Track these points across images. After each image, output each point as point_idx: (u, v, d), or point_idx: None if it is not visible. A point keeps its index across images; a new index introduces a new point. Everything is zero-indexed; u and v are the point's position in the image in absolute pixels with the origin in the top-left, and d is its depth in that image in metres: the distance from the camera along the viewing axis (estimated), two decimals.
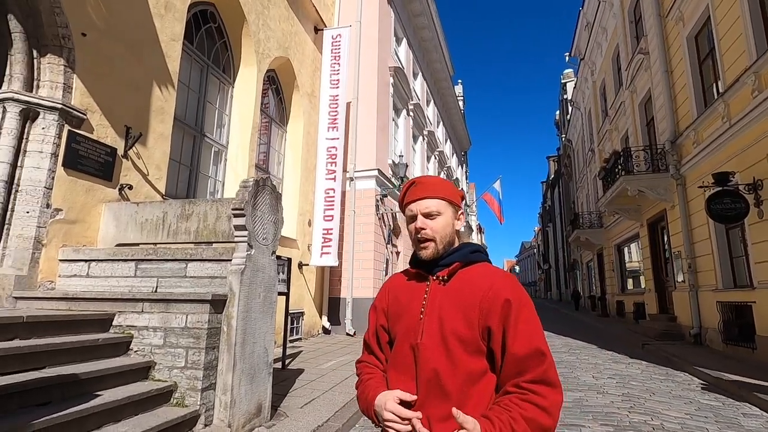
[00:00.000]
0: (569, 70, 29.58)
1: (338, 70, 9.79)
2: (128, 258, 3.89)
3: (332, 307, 10.12)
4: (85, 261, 4.00)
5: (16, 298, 3.68)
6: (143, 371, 3.29)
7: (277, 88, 9.22)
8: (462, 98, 31.91)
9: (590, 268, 24.14)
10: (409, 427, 1.01)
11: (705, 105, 8.84)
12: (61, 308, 3.61)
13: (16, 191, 3.85)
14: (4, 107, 3.85)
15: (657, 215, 11.50)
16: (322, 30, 10.27)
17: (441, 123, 20.34)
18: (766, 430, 4.12)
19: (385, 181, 11.03)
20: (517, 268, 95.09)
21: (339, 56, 9.85)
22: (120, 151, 4.69)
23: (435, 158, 18.35)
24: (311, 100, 9.94)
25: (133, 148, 4.86)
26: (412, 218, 1.18)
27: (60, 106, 3.99)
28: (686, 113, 9.53)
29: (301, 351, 7.50)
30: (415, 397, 1.05)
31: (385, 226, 11.15)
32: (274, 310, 3.93)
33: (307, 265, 9.25)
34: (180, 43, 5.71)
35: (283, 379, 5.20)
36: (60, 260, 4.05)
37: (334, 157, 9.44)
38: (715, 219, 7.23)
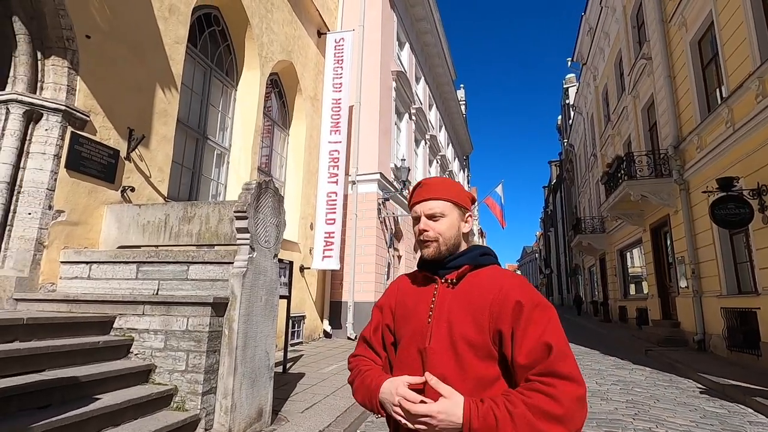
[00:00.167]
0: (571, 75, 29.62)
1: (341, 73, 9.80)
2: (129, 260, 3.87)
3: (333, 311, 10.09)
4: (87, 263, 3.99)
5: (16, 299, 3.67)
6: (143, 374, 3.26)
7: (279, 91, 9.23)
8: (464, 102, 31.97)
9: (592, 273, 24.05)
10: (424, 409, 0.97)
11: (708, 110, 8.82)
12: (61, 310, 3.59)
13: (19, 193, 3.85)
14: (8, 109, 3.85)
15: (660, 220, 11.45)
16: (325, 34, 10.30)
17: (443, 127, 20.36)
18: None
19: (387, 185, 11.02)
20: (518, 272, 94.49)
21: (342, 60, 9.87)
22: (123, 153, 4.68)
23: (437, 162, 18.36)
24: (314, 104, 9.95)
25: (136, 150, 4.86)
26: (416, 219, 1.17)
27: (63, 107, 3.99)
28: (689, 118, 9.51)
29: (303, 355, 7.46)
30: (423, 379, 1.01)
31: (386, 229, 11.12)
32: (275, 314, 3.91)
33: (309, 268, 9.23)
34: (184, 46, 5.73)
35: (284, 383, 5.16)
36: (61, 262, 4.04)
37: (336, 160, 9.44)
38: (719, 224, 7.18)
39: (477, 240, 37.21)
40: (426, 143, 16.25)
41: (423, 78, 16.38)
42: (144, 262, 3.83)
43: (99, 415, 2.64)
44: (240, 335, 3.35)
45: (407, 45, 14.23)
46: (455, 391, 0.94)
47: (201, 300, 3.32)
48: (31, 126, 3.95)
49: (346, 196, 10.19)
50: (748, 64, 7.11)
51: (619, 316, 17.22)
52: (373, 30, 11.28)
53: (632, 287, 16.31)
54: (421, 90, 16.06)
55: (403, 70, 13.07)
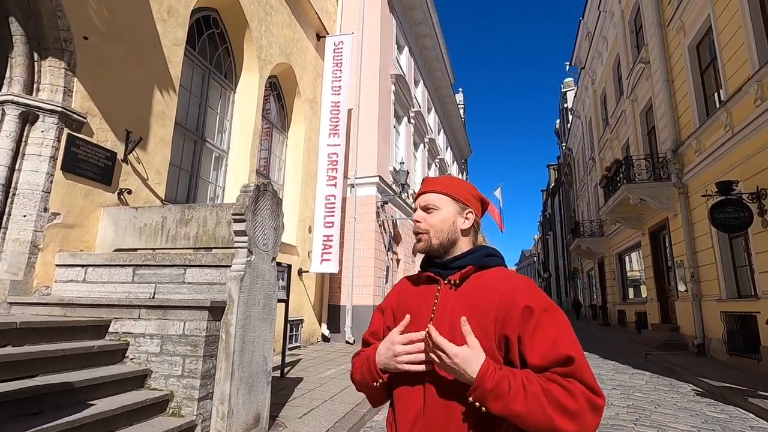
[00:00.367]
0: (569, 79, 29.75)
1: (340, 76, 9.80)
2: (126, 263, 3.83)
3: (332, 315, 10.03)
4: (82, 266, 3.94)
5: (10, 303, 3.62)
6: (139, 380, 3.21)
7: (278, 94, 9.21)
8: (462, 106, 32.04)
9: (591, 277, 24.04)
10: (422, 356, 0.99)
11: (707, 114, 8.83)
12: (56, 314, 3.54)
13: (14, 195, 3.80)
14: (3, 110, 3.81)
15: (659, 224, 11.45)
16: (324, 37, 10.30)
17: (442, 131, 20.37)
18: None
19: (386, 188, 10.99)
20: None
21: (341, 63, 9.86)
22: (120, 155, 4.65)
23: (436, 166, 18.35)
24: (312, 107, 9.94)
25: (133, 152, 4.82)
26: (415, 212, 1.18)
27: (60, 109, 3.95)
28: (688, 122, 9.52)
29: (301, 359, 7.40)
30: (422, 335, 1.00)
31: (385, 233, 11.08)
32: (273, 318, 3.86)
33: (307, 271, 9.18)
34: (182, 48, 5.70)
35: (282, 387, 5.11)
36: (56, 265, 3.99)
37: (335, 163, 9.41)
38: (718, 228, 7.17)
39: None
40: (425, 146, 16.25)
41: (422, 81, 16.40)
42: (140, 266, 3.79)
43: (92, 422, 2.59)
44: (237, 339, 3.31)
45: (406, 48, 14.25)
46: (480, 346, 0.92)
47: (198, 304, 3.27)
48: (26, 127, 3.91)
49: (344, 200, 10.16)
50: (746, 68, 7.12)
51: (618, 319, 17.19)
52: (372, 33, 11.29)
53: (631, 291, 16.30)
54: (419, 93, 16.08)
55: (402, 73, 13.08)
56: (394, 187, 11.45)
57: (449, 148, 22.42)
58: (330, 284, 10.18)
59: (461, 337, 0.98)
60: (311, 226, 9.48)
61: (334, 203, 9.22)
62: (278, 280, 4.42)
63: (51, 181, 3.93)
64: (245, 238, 3.49)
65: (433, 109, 18.37)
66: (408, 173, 11.70)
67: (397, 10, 13.04)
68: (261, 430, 3.53)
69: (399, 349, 1.00)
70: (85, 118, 4.22)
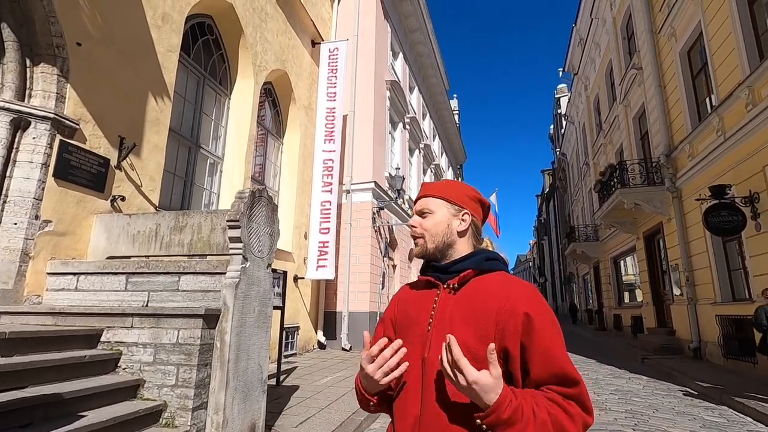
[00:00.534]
0: (563, 85, 30.01)
1: (335, 83, 9.81)
2: (118, 271, 3.77)
3: (328, 322, 9.95)
4: (74, 274, 3.88)
5: (0, 312, 3.55)
6: (131, 390, 3.15)
7: (273, 100, 9.21)
8: (457, 112, 32.20)
9: (587, 282, 24.10)
10: (394, 360, 0.98)
11: (699, 119, 8.93)
12: (46, 323, 3.47)
13: (4, 202, 3.74)
14: None
15: (653, 228, 11.51)
16: (320, 43, 10.33)
17: (437, 136, 20.44)
18: None
19: (382, 194, 10.98)
20: None
21: (336, 69, 9.89)
22: (113, 162, 4.60)
23: (431, 171, 18.39)
24: (308, 113, 9.94)
25: (127, 159, 4.78)
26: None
27: (52, 115, 3.91)
28: (680, 127, 9.62)
29: (296, 367, 7.32)
30: (381, 344, 0.99)
31: (381, 239, 11.06)
32: (269, 325, 3.81)
33: (303, 278, 9.12)
34: (177, 54, 5.69)
35: (278, 396, 5.04)
36: (48, 273, 3.92)
37: (330, 169, 9.40)
38: (712, 232, 7.22)
39: None
40: (420, 152, 16.29)
41: (417, 88, 16.47)
42: (133, 273, 3.74)
43: None
44: (232, 348, 3.26)
45: (401, 55, 14.33)
46: (501, 376, 0.89)
47: (192, 312, 3.22)
48: (18, 134, 3.87)
49: (340, 206, 10.13)
50: (737, 74, 7.21)
51: (614, 324, 17.21)
52: (367, 40, 11.34)
53: (626, 295, 16.35)
54: (414, 100, 16.15)
55: (397, 79, 13.14)
56: (389, 192, 11.44)
57: (444, 153, 22.49)
58: (326, 291, 10.12)
59: (461, 343, 0.96)
60: (307, 232, 9.44)
61: (330, 209, 9.19)
62: (274, 287, 4.38)
63: (43, 188, 3.88)
64: (240, 245, 3.46)
65: (428, 115, 18.45)
66: (404, 179, 11.71)
67: (392, 18, 13.12)
68: None
69: (369, 369, 0.99)
70: (78, 125, 4.18)
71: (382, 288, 10.80)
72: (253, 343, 3.53)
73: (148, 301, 3.62)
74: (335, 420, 4.25)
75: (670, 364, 8.24)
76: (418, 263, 15.31)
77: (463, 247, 1.11)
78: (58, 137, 4.01)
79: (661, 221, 10.70)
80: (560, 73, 23.48)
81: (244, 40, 7.47)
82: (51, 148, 3.95)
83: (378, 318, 10.19)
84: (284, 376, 6.32)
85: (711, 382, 6.39)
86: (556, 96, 31.60)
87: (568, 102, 24.00)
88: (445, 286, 1.07)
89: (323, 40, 10.50)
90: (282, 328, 6.10)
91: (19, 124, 3.86)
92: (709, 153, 8.12)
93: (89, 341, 3.34)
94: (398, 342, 0.99)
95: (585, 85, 19.29)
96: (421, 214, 1.13)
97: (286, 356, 8.13)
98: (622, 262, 16.52)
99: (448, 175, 23.31)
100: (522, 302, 0.96)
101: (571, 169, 25.91)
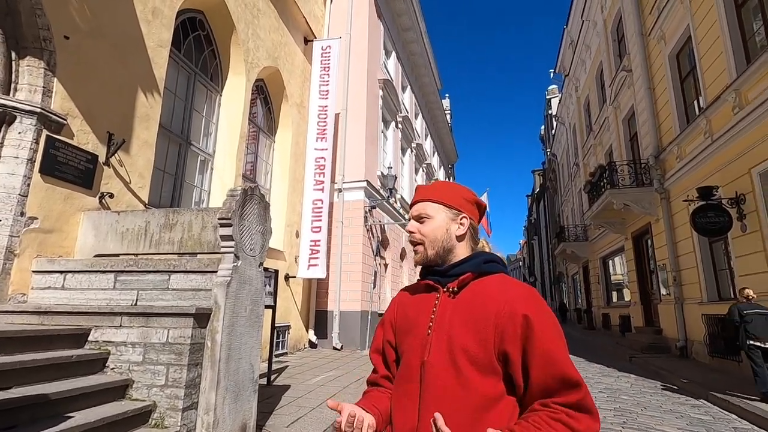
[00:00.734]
0: (554, 86, 30.26)
1: (327, 81, 9.76)
2: (107, 269, 3.70)
3: (319, 321, 9.91)
4: (61, 272, 3.80)
5: None
6: (120, 390, 3.10)
7: (265, 97, 9.13)
8: (449, 112, 32.28)
9: (576, 281, 24.36)
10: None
11: (687, 121, 9.06)
12: (32, 322, 3.40)
13: None
14: None
15: (642, 228, 11.67)
16: (312, 41, 10.26)
17: (429, 136, 20.47)
18: None
19: (374, 193, 10.97)
20: None
21: (328, 67, 9.83)
22: (101, 158, 4.52)
23: (423, 171, 18.42)
24: (300, 111, 9.88)
25: (116, 155, 4.69)
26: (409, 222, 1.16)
27: (38, 110, 3.82)
28: (669, 129, 9.75)
29: (287, 366, 7.28)
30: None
31: (373, 237, 11.04)
32: (260, 324, 3.78)
33: (294, 277, 9.07)
34: (167, 49, 5.60)
35: (269, 395, 5.00)
36: (33, 271, 3.83)
37: (322, 167, 9.35)
38: (699, 232, 7.34)
39: None
40: (412, 151, 16.30)
41: (409, 87, 16.47)
42: (122, 272, 3.67)
43: None
44: (223, 347, 3.22)
45: (394, 54, 14.31)
46: None
47: (182, 311, 3.18)
48: (3, 129, 3.77)
49: (332, 204, 10.10)
50: (724, 77, 7.33)
51: (602, 323, 17.43)
52: (359, 38, 11.30)
53: (615, 294, 16.56)
54: (407, 99, 16.14)
55: (389, 78, 13.12)
56: (381, 191, 11.43)
57: (436, 153, 22.54)
58: (317, 290, 10.08)
59: (460, 351, 0.96)
60: (298, 230, 9.38)
61: (322, 208, 9.15)
62: (265, 285, 4.34)
63: (28, 185, 3.79)
64: (232, 243, 3.41)
65: (420, 115, 18.46)
66: (396, 178, 11.70)
67: (385, 16, 13.09)
68: None
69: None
70: (65, 120, 4.09)
71: (374, 287, 10.78)
72: (244, 342, 3.49)
73: (137, 300, 3.56)
74: (327, 419, 4.23)
75: (657, 363, 8.36)
76: (410, 263, 15.32)
77: (461, 251, 1.10)
78: (45, 132, 3.92)
79: (650, 222, 10.85)
80: (551, 75, 23.69)
81: (236, 37, 7.39)
82: (37, 143, 3.86)
83: (369, 317, 10.18)
84: (275, 375, 6.28)
85: (697, 381, 6.49)
86: (547, 97, 31.86)
87: (559, 103, 24.22)
88: (444, 289, 1.07)
89: (316, 38, 10.43)
90: (273, 327, 6.05)
91: (4, 118, 3.76)
92: (696, 155, 8.25)
93: (76, 341, 3.27)
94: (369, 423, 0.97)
95: (576, 87, 19.47)
96: (419, 219, 1.11)
97: (277, 355, 8.08)
98: (610, 262, 16.73)
99: (440, 174, 23.37)
100: (520, 304, 0.96)
101: (562, 169, 26.15)
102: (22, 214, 3.75)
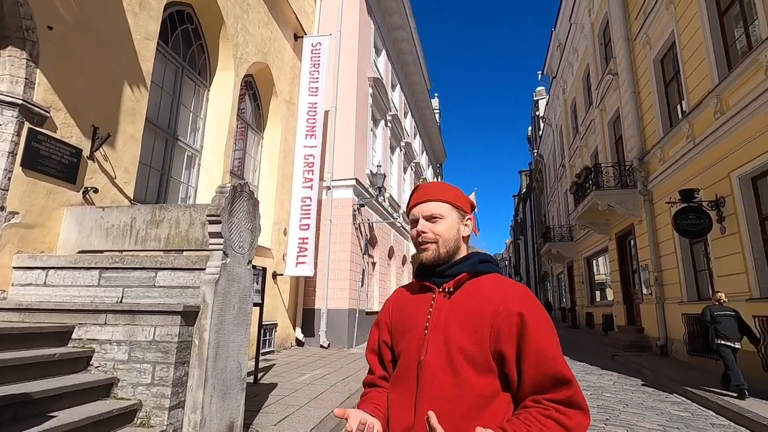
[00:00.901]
0: (541, 88, 30.58)
1: (317, 78, 9.70)
2: (91, 266, 3.63)
3: (306, 319, 9.88)
4: (43, 269, 3.71)
5: None
6: (105, 389, 3.04)
7: (254, 93, 9.04)
8: (438, 111, 32.39)
9: (560, 281, 24.73)
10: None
11: (671, 125, 9.26)
12: (13, 320, 3.32)
13: None
14: None
15: (625, 229, 11.89)
16: (302, 37, 10.18)
17: (418, 135, 20.52)
18: None
19: (363, 191, 10.96)
20: None
21: (318, 64, 9.78)
22: (86, 152, 4.42)
23: (411, 169, 18.46)
24: (289, 107, 9.80)
25: (101, 149, 4.60)
26: (414, 222, 1.13)
27: (20, 101, 3.72)
28: (653, 132, 9.96)
29: (274, 364, 7.24)
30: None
31: (362, 236, 11.04)
32: (248, 322, 3.75)
33: (282, 274, 9.01)
34: (154, 42, 5.50)
35: (256, 394, 4.97)
36: (14, 267, 3.74)
37: (311, 165, 9.30)
38: (681, 234, 7.52)
39: None
40: (401, 150, 16.31)
41: (399, 85, 16.48)
42: (107, 268, 3.60)
43: None
44: (211, 345, 3.19)
45: (384, 52, 14.29)
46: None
47: (169, 308, 3.14)
48: None
49: (320, 202, 10.05)
50: (707, 83, 7.51)
51: (586, 322, 17.73)
52: (350, 36, 11.26)
53: (598, 294, 16.85)
54: (396, 97, 16.15)
55: (379, 76, 13.10)
56: (370, 190, 11.42)
57: (425, 152, 22.61)
58: (305, 287, 10.03)
59: (457, 350, 0.97)
60: (286, 228, 9.32)
61: (310, 205, 9.10)
62: (253, 283, 4.31)
63: (9, 178, 3.69)
64: (220, 240, 3.38)
65: (409, 113, 18.49)
66: (385, 176, 11.70)
67: (376, 14, 13.06)
68: None
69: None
70: (49, 112, 3.99)
71: (362, 285, 10.79)
72: (232, 340, 3.46)
73: (122, 298, 3.50)
74: (314, 418, 4.23)
75: (638, 361, 8.55)
76: (398, 261, 15.35)
77: (464, 252, 1.13)
78: (27, 125, 3.82)
79: (633, 223, 11.07)
80: (539, 76, 23.92)
81: (225, 31, 7.29)
82: (19, 136, 3.76)
83: (357, 315, 10.18)
84: (262, 373, 6.24)
85: (677, 378, 6.66)
86: (535, 98, 32.19)
87: (546, 104, 24.51)
88: (440, 289, 1.08)
89: (306, 34, 10.36)
90: (260, 325, 6.01)
91: None
92: (679, 158, 8.44)
93: (59, 338, 3.21)
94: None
95: (563, 89, 19.72)
96: (431, 219, 1.10)
97: (264, 353, 8.02)
98: (594, 262, 17.02)
99: (428, 173, 23.45)
100: (515, 304, 0.98)
101: (548, 170, 26.49)
102: (3, 208, 3.65)
